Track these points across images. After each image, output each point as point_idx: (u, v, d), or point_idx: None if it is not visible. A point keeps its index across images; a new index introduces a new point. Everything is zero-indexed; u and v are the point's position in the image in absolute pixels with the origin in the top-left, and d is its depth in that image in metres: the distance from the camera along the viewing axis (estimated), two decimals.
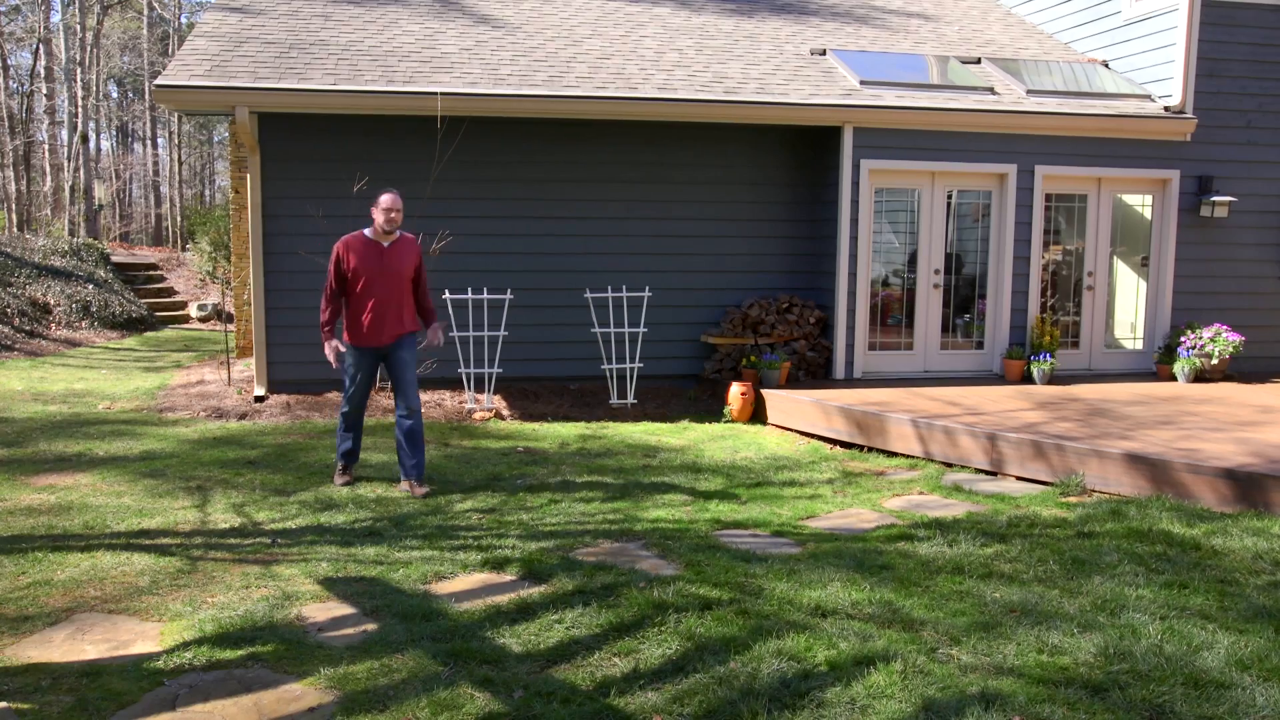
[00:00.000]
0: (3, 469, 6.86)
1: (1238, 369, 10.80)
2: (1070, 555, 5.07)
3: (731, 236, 10.42)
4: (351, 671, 3.66)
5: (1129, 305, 11.01)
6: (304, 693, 3.51)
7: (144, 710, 3.37)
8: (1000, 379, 10.27)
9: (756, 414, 9.41)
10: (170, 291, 19.75)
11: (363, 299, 6.28)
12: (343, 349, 6.39)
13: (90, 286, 16.74)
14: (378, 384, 9.30)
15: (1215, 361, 10.30)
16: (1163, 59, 10.67)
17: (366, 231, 6.35)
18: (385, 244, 6.32)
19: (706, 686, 3.53)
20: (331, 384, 9.71)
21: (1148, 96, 10.65)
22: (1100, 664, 3.75)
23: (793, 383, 9.75)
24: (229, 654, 3.82)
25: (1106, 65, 11.49)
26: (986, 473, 7.26)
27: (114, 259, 19.66)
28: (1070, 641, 3.96)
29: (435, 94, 8.97)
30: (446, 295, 9.57)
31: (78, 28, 26.61)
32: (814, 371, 10.12)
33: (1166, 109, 10.49)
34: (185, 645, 3.89)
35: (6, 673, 3.64)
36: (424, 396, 9.60)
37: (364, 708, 3.38)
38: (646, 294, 10.04)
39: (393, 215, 6.23)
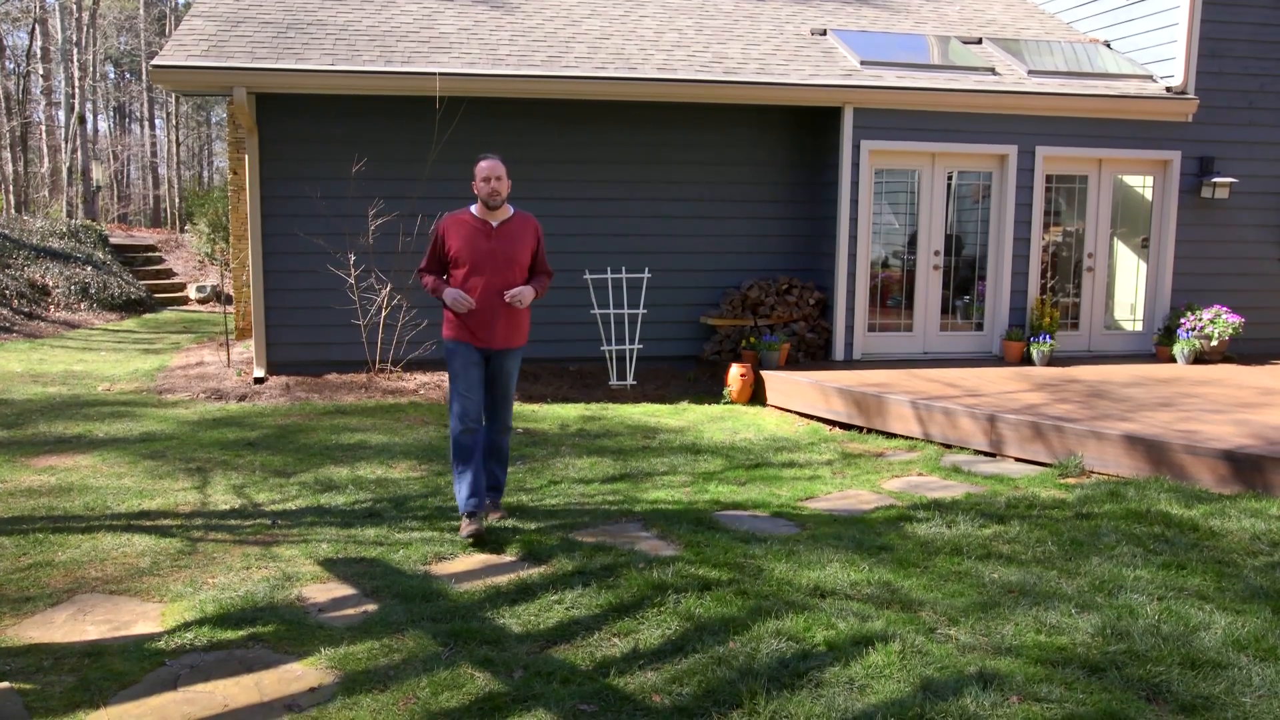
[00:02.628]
0: (3, 450, 6.86)
1: (1237, 350, 10.80)
2: (1068, 536, 5.08)
3: (731, 218, 10.39)
4: (352, 652, 3.67)
5: (1129, 287, 11.00)
6: (305, 673, 3.52)
7: (145, 690, 3.38)
8: (1000, 360, 10.27)
9: (756, 395, 9.42)
10: (169, 273, 19.71)
11: (467, 289, 5.17)
12: (466, 300, 5.12)
13: (89, 268, 16.71)
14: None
15: (1215, 343, 10.29)
16: (1165, 39, 10.62)
17: (473, 208, 5.26)
18: (494, 223, 5.20)
19: (705, 666, 3.54)
20: (331, 365, 9.71)
21: (1149, 77, 10.60)
22: (1098, 644, 3.76)
23: (792, 364, 9.75)
24: (230, 634, 3.83)
25: (1108, 45, 11.44)
26: (985, 454, 7.27)
27: (112, 240, 19.62)
28: (1068, 622, 3.97)
29: (434, 74, 8.92)
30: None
31: (74, 7, 26.47)
32: (813, 353, 10.12)
33: (1168, 89, 10.45)
34: (186, 626, 3.91)
35: (8, 653, 3.66)
36: (423, 378, 9.60)
37: (365, 688, 3.40)
38: (646, 275, 10.03)
39: (494, 185, 5.12)
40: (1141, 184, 10.82)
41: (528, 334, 5.39)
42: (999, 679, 3.45)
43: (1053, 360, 10.21)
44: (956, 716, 3.19)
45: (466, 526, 5.02)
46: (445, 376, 9.72)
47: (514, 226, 5.25)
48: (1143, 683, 3.46)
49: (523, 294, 5.16)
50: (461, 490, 5.11)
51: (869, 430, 8.12)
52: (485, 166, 5.14)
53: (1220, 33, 10.46)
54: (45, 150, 31.43)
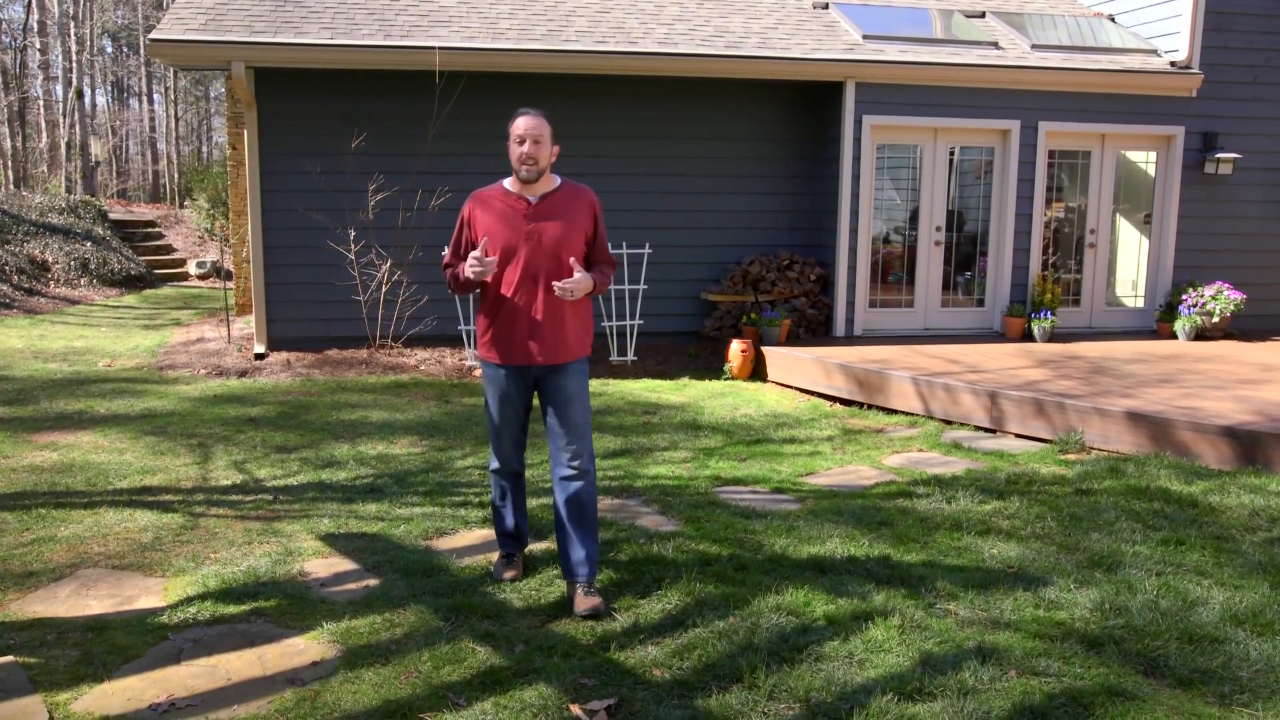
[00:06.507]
0: (5, 427, 6.87)
1: (1239, 327, 10.79)
2: (1068, 512, 5.09)
3: (732, 193, 10.35)
4: (354, 626, 3.69)
5: (1130, 263, 10.97)
6: (307, 647, 3.54)
7: (149, 664, 3.40)
8: (1001, 337, 10.26)
9: (756, 371, 9.42)
10: (169, 249, 19.68)
11: (498, 287, 3.99)
12: (478, 266, 3.86)
13: (88, 244, 16.67)
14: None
15: (1216, 319, 10.28)
16: (1170, 13, 10.54)
17: (506, 182, 4.05)
18: (533, 198, 3.98)
19: (706, 641, 3.56)
20: (331, 341, 9.70)
21: (1154, 51, 10.53)
22: (1096, 619, 3.78)
23: (793, 340, 9.75)
24: (232, 609, 3.85)
25: (1113, 19, 11.35)
26: (986, 430, 7.28)
27: (112, 216, 19.57)
28: (1067, 597, 3.99)
29: (433, 48, 8.86)
30: (446, 252, 9.52)
31: None
32: (814, 329, 10.11)
33: (1172, 64, 10.38)
34: (189, 600, 3.92)
35: (12, 627, 3.68)
36: (423, 354, 9.59)
37: (367, 661, 3.42)
38: (647, 251, 10.00)
39: (529, 148, 3.87)
40: (1144, 160, 10.77)
41: (588, 341, 4.12)
42: (998, 653, 3.47)
43: (1054, 337, 10.21)
44: (955, 690, 3.21)
45: (501, 567, 4.21)
46: (446, 352, 9.71)
47: (560, 201, 3.99)
48: (1141, 657, 3.48)
49: (575, 284, 3.85)
50: (498, 523, 4.31)
51: (870, 406, 8.13)
52: (521, 123, 3.90)
53: (1225, 6, 10.37)
54: (43, 125, 31.28)
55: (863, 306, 10.15)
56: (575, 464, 3.99)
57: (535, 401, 6.59)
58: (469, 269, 3.85)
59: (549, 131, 3.92)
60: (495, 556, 4.42)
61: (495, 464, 4.22)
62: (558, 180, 4.04)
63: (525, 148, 3.87)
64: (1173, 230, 10.67)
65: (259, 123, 9.35)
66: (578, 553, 3.97)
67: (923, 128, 10.12)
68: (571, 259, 3.94)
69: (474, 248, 4.03)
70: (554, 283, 3.87)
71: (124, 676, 3.31)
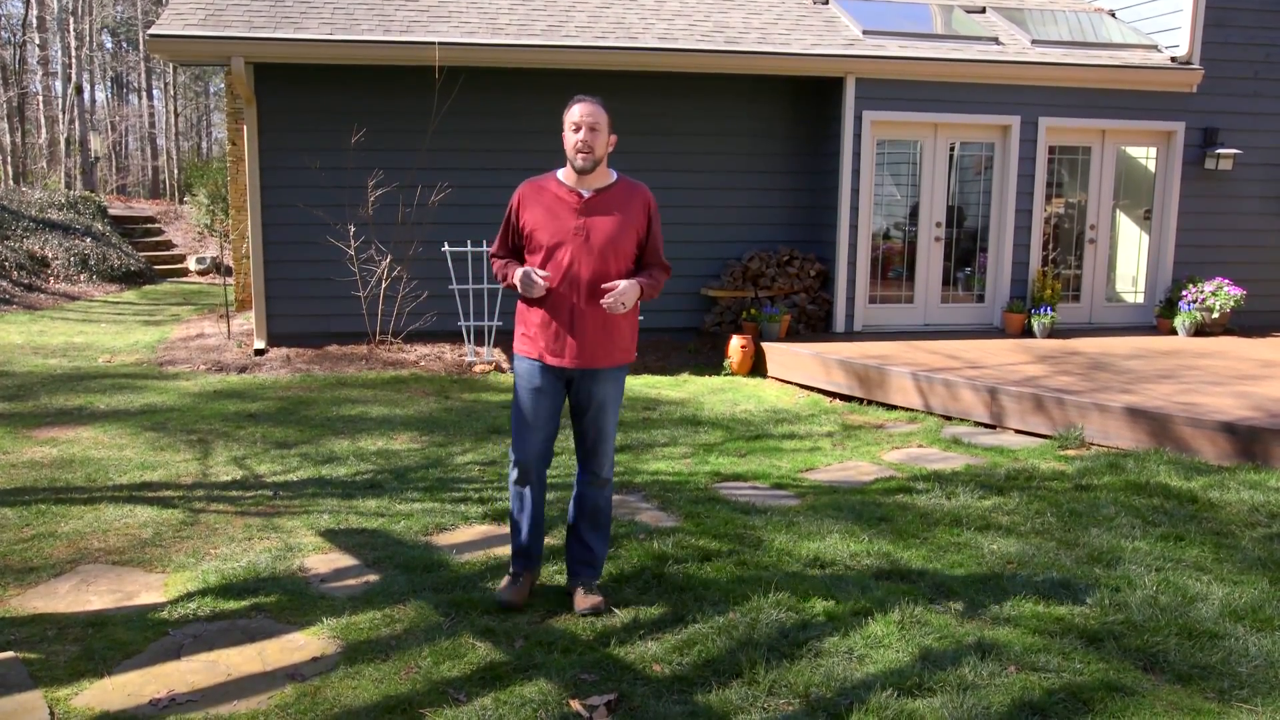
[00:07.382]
0: (5, 422, 6.88)
1: (1239, 323, 10.79)
2: (1068, 508, 5.09)
3: (732, 189, 10.34)
4: (354, 622, 3.69)
5: (1130, 259, 10.97)
6: (307, 642, 3.54)
7: (149, 660, 3.41)
8: (1000, 332, 10.26)
9: (756, 367, 9.42)
10: (168, 245, 19.67)
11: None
12: (537, 277, 3.68)
13: (88, 240, 16.67)
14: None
15: (1216, 315, 10.28)
16: (1170, 8, 10.52)
17: (560, 173, 3.82)
18: (585, 192, 3.77)
19: (706, 636, 3.56)
20: (331, 337, 9.70)
21: (1154, 47, 10.52)
22: (1096, 615, 3.78)
23: (792, 336, 9.75)
24: (233, 604, 3.85)
25: (1113, 15, 11.34)
26: (986, 426, 7.28)
27: (111, 212, 19.56)
28: (1066, 593, 3.99)
29: (433, 44, 8.85)
30: (446, 248, 9.53)
31: None
32: (814, 324, 10.11)
33: (1173, 60, 10.37)
34: (189, 596, 3.93)
35: (13, 623, 3.68)
36: (423, 349, 9.59)
37: (367, 657, 3.42)
38: None
39: (586, 136, 3.66)
40: (1145, 155, 10.76)
41: (633, 348, 3.93)
42: (997, 649, 3.47)
43: (1053, 332, 10.21)
44: (955, 686, 3.21)
45: (506, 587, 3.89)
46: (446, 348, 9.70)
47: (615, 197, 3.78)
48: (1140, 653, 3.48)
49: (624, 294, 3.69)
50: (515, 536, 3.99)
51: (869, 402, 8.13)
52: (577, 110, 3.68)
53: (1226, 2, 10.36)
54: (43, 121, 31.25)
55: (863, 302, 10.15)
56: (599, 473, 3.94)
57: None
58: (519, 281, 3.70)
59: (606, 120, 3.70)
60: (495, 552, 4.42)
61: (515, 472, 3.89)
62: (614, 175, 3.83)
63: (581, 135, 3.66)
64: (1173, 226, 10.66)
65: (259, 118, 9.34)
66: (585, 553, 3.96)
67: (923, 123, 10.11)
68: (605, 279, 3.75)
69: (521, 239, 3.84)
70: (601, 300, 3.70)
71: (124, 672, 3.32)
